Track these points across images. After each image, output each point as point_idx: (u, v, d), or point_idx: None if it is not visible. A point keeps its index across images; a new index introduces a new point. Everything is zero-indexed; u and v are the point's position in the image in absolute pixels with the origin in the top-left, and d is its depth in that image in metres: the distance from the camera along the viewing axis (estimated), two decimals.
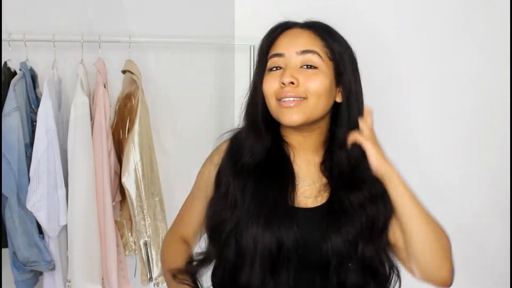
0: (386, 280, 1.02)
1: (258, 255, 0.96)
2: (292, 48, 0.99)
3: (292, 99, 0.97)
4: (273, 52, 1.02)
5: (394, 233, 1.01)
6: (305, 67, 0.99)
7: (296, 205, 1.02)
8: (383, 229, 1.01)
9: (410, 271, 0.99)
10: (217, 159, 1.09)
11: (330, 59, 1.00)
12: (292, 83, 0.97)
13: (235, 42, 1.79)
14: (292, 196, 1.02)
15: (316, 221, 1.00)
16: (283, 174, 1.03)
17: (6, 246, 1.56)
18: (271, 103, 1.01)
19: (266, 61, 1.03)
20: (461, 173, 1.96)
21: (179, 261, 1.12)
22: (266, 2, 1.75)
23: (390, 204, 0.99)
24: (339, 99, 1.03)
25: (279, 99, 0.99)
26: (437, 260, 0.94)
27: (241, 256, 0.99)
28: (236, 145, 1.08)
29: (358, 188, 1.01)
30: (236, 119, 1.12)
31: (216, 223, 1.03)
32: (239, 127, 1.10)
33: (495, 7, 1.88)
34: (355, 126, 1.00)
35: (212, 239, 1.06)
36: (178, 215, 1.20)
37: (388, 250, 1.02)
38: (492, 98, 1.93)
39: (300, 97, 0.98)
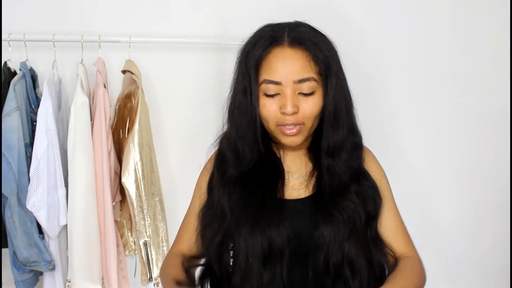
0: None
1: (249, 254, 0.98)
2: (289, 77, 0.99)
3: (293, 126, 1.01)
4: (268, 77, 1.01)
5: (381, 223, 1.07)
6: (304, 94, 1.01)
7: (286, 198, 1.05)
8: (372, 217, 1.05)
9: None
10: (209, 167, 1.13)
11: (317, 65, 1.01)
12: (295, 112, 1.00)
13: (235, 42, 1.78)
14: (282, 190, 1.05)
15: (307, 210, 1.03)
16: (271, 173, 1.06)
17: (6, 246, 1.56)
18: (271, 126, 1.03)
19: (257, 76, 1.02)
20: (460, 174, 1.96)
21: (178, 274, 1.06)
22: (266, 2, 1.75)
23: (379, 197, 1.06)
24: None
25: (279, 125, 1.02)
26: None
27: (234, 256, 1.02)
28: (223, 155, 1.10)
29: (347, 177, 1.04)
30: None
31: (206, 233, 1.06)
32: (224, 131, 1.12)
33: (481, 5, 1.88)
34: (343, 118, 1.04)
35: (203, 247, 1.08)
36: (178, 234, 1.18)
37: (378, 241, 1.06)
38: (491, 98, 1.93)
39: (300, 123, 1.01)
